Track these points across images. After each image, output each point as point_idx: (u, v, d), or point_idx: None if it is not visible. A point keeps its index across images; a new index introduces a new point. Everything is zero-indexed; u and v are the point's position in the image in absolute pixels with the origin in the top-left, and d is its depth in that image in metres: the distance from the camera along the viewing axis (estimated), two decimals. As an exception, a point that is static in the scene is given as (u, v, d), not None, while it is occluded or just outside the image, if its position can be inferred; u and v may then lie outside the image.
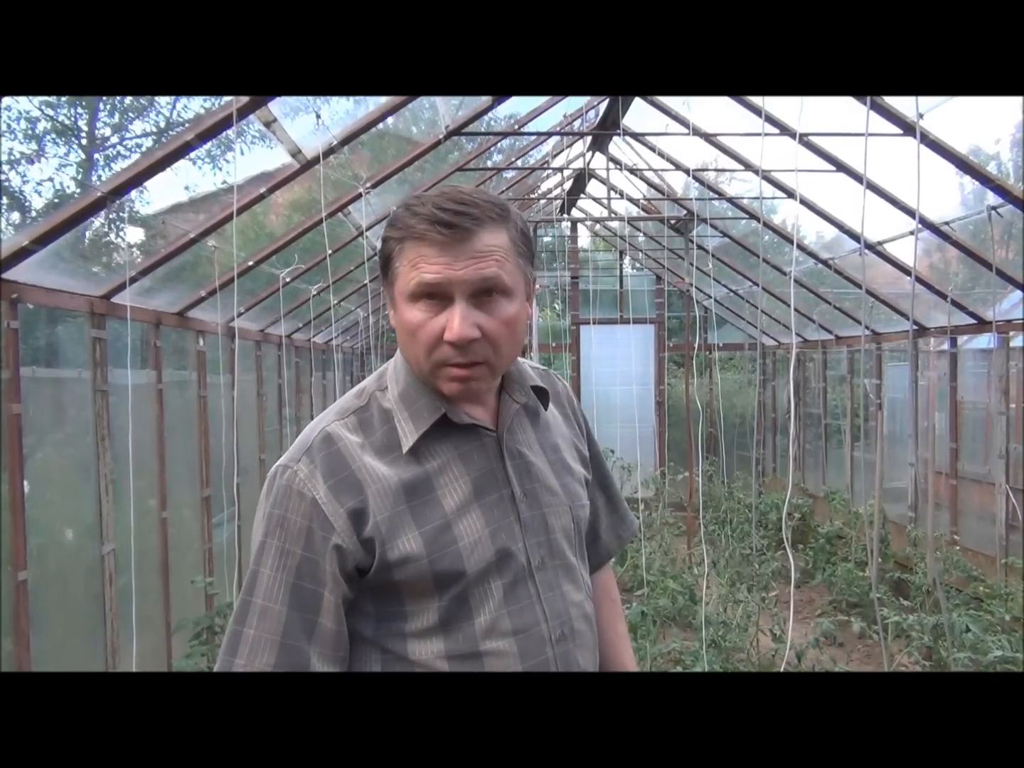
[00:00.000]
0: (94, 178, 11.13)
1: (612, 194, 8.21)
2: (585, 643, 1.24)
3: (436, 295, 1.08)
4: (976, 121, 4.50)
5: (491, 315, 1.10)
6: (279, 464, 1.15)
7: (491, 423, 1.22)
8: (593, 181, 8.71)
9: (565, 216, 9.12)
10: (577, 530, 1.28)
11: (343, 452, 1.14)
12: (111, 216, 4.03)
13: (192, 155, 3.91)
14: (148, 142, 11.11)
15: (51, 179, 10.17)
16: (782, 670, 3.25)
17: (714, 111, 5.27)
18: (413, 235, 1.08)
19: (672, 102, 5.35)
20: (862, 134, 3.00)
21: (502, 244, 1.10)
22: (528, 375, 1.29)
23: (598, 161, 7.75)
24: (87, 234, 4.47)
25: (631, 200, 8.53)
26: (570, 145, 7.31)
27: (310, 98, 3.63)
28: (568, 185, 8.67)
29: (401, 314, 1.12)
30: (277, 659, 1.08)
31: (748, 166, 5.93)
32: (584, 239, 11.61)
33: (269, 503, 1.13)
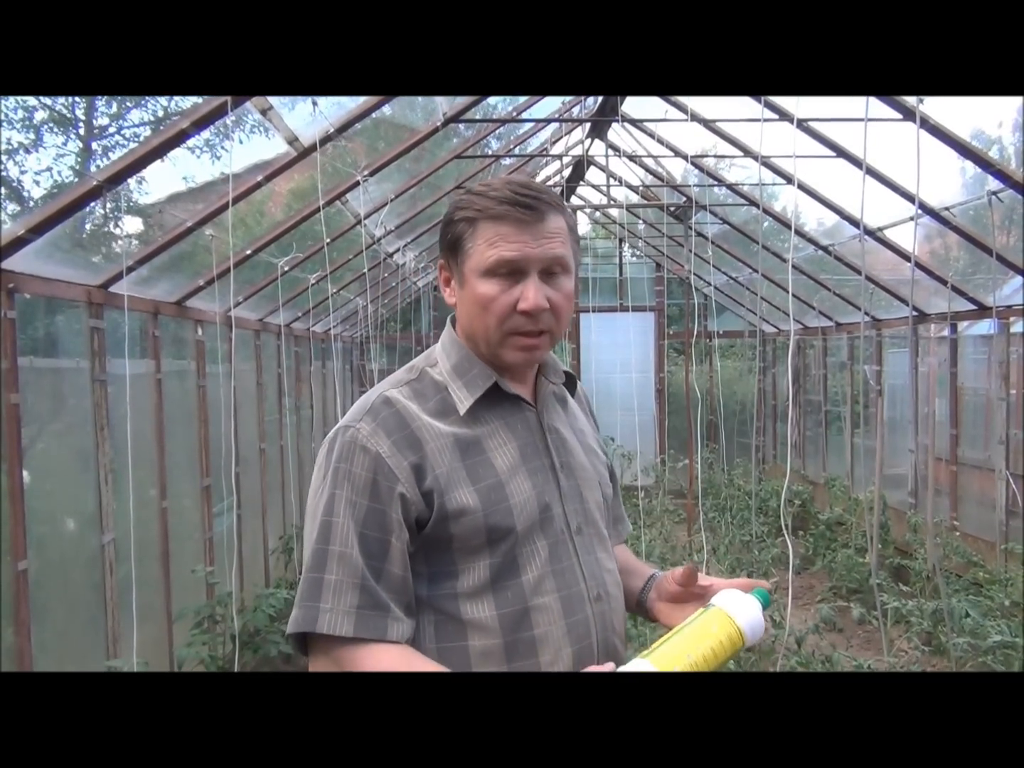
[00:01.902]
0: (92, 167, 11.09)
1: (611, 181, 8.18)
2: (617, 607, 1.33)
3: (511, 271, 1.20)
4: (978, 104, 4.48)
5: (556, 289, 1.23)
6: (340, 426, 1.24)
7: (531, 400, 1.33)
8: (592, 168, 8.68)
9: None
10: (605, 505, 1.38)
11: (402, 413, 1.23)
12: (108, 205, 4.02)
13: (190, 144, 3.90)
14: (146, 131, 11.06)
15: (49, 169, 10.13)
16: (781, 656, 3.26)
17: (713, 97, 5.24)
18: (491, 215, 1.20)
19: (671, 88, 5.32)
20: (862, 119, 2.99)
21: (563, 228, 1.24)
22: (560, 363, 1.42)
23: (597, 148, 7.72)
24: (87, 225, 4.45)
25: (630, 187, 8.50)
26: (569, 132, 7.28)
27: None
28: (567, 172, 8.64)
29: (474, 288, 1.22)
30: (360, 600, 1.15)
31: (747, 152, 5.90)
32: (583, 226, 11.58)
33: (333, 459, 1.20)
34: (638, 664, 1.13)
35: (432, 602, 1.21)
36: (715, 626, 1.15)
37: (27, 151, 9.90)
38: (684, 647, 1.13)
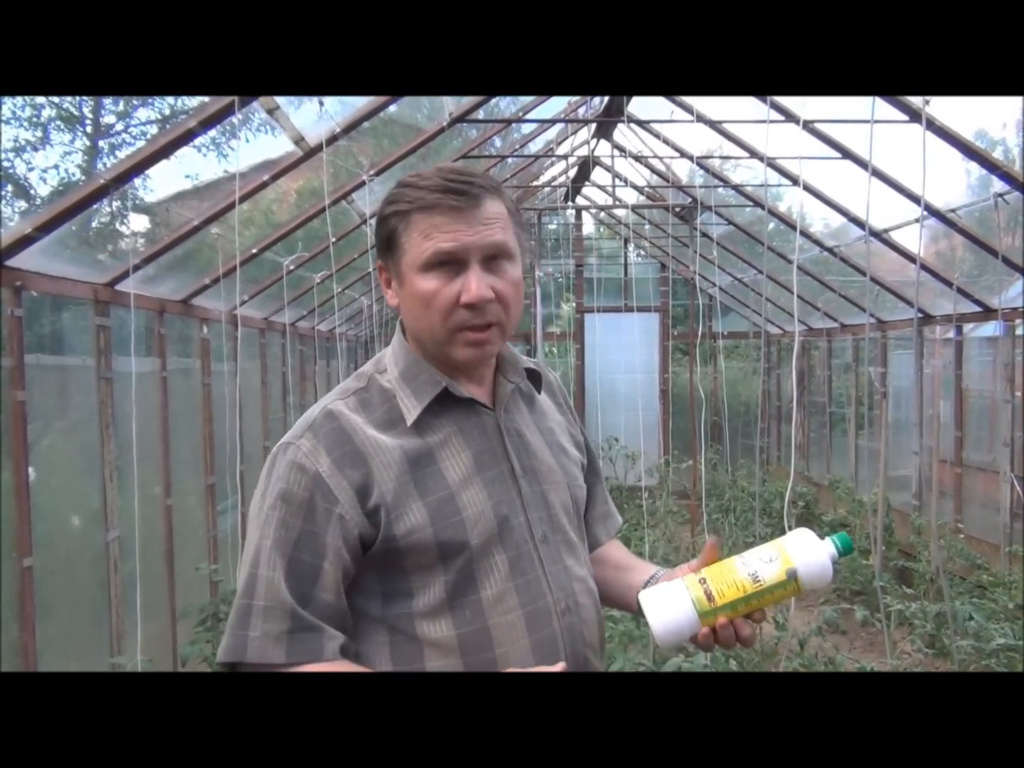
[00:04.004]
0: (99, 166, 11.11)
1: (617, 182, 8.17)
2: (589, 617, 1.25)
3: (450, 262, 1.13)
4: (982, 104, 4.47)
5: (501, 277, 1.15)
6: (281, 442, 1.18)
7: (488, 402, 1.25)
8: (598, 169, 8.68)
9: (570, 204, 9.09)
10: (575, 509, 1.30)
11: (345, 427, 1.16)
12: (115, 204, 4.03)
13: (197, 142, 3.91)
14: (153, 129, 11.08)
15: (56, 167, 10.16)
16: (784, 658, 3.26)
17: (719, 98, 5.24)
18: (422, 206, 1.13)
19: (677, 89, 5.32)
20: (868, 121, 2.99)
21: (502, 213, 1.16)
22: (521, 359, 1.32)
23: (603, 148, 7.72)
24: (93, 223, 4.47)
25: (636, 188, 8.50)
26: (575, 132, 7.28)
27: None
28: (573, 173, 8.64)
29: (413, 285, 1.15)
30: (291, 624, 1.09)
31: (753, 153, 5.90)
32: (589, 227, 11.58)
33: (272, 478, 1.15)
34: (678, 586, 1.15)
35: (387, 621, 1.15)
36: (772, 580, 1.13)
37: (34, 149, 9.93)
38: (730, 588, 1.13)
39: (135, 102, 10.79)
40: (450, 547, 1.13)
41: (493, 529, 1.16)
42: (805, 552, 1.15)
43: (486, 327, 1.15)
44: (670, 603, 1.16)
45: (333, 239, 4.19)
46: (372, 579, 1.16)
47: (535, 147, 7.81)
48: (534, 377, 1.33)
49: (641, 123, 6.44)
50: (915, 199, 4.83)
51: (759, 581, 1.14)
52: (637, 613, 1.27)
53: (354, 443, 1.14)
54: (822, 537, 1.18)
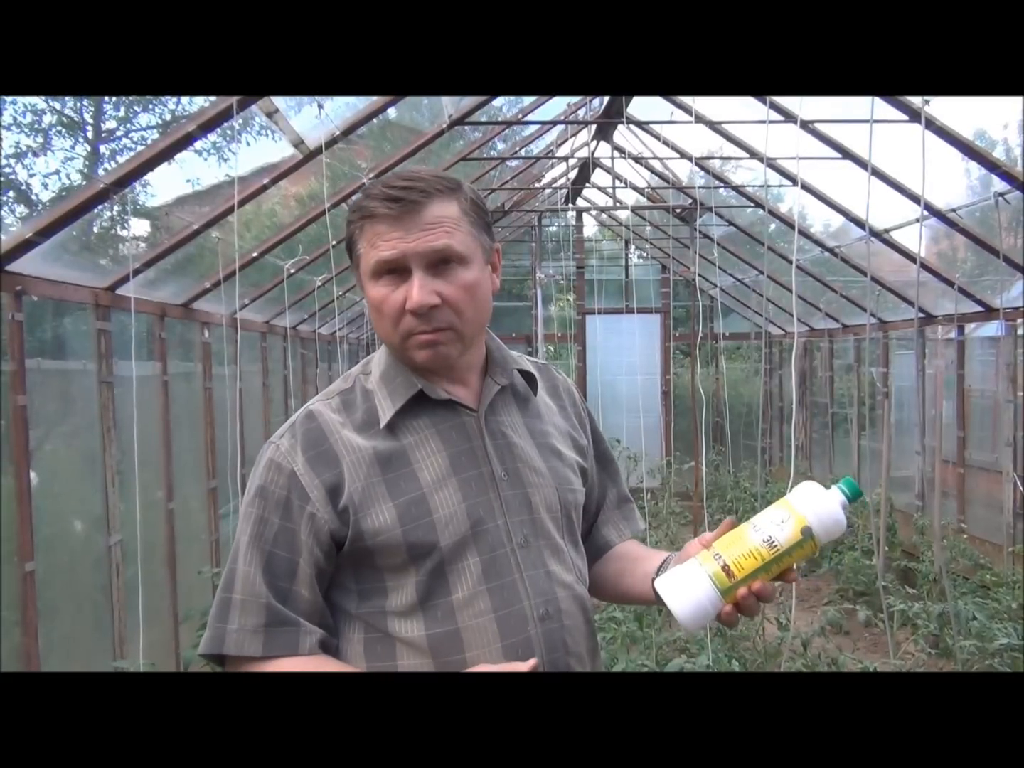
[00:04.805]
0: (100, 171, 11.15)
1: (617, 183, 8.17)
2: (574, 624, 1.21)
3: (395, 270, 1.13)
4: (983, 105, 4.47)
5: (449, 282, 1.14)
6: (267, 441, 1.22)
7: (473, 403, 1.24)
8: (598, 170, 8.68)
9: (570, 205, 9.10)
10: (565, 513, 1.26)
11: (322, 427, 1.18)
12: (116, 208, 4.04)
13: (198, 147, 3.92)
14: (154, 135, 11.11)
15: (57, 172, 10.19)
16: (785, 658, 3.25)
17: (718, 99, 5.25)
18: (366, 215, 1.14)
19: (676, 90, 5.32)
20: (867, 121, 2.98)
21: (452, 215, 1.15)
22: (512, 359, 1.29)
23: (603, 150, 7.73)
24: (94, 227, 4.48)
25: (636, 189, 8.50)
26: (575, 134, 7.28)
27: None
28: (573, 174, 8.65)
29: (367, 293, 1.17)
30: (267, 619, 1.12)
31: (752, 154, 5.90)
32: (589, 229, 11.58)
33: (257, 475, 1.18)
34: (692, 565, 1.11)
35: (362, 617, 1.17)
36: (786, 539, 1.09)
37: (35, 154, 9.96)
38: (747, 558, 1.09)
39: (136, 108, 10.81)
40: (420, 548, 1.14)
41: (466, 531, 1.16)
42: (815, 506, 1.11)
43: (435, 331, 1.15)
44: (688, 585, 1.11)
45: (333, 242, 4.18)
46: (349, 576, 1.18)
47: (536, 149, 7.82)
48: (529, 380, 1.30)
49: (641, 124, 6.45)
50: (915, 199, 4.82)
51: (775, 546, 1.09)
52: (656, 602, 1.22)
53: (329, 443, 1.17)
54: (827, 487, 1.14)
